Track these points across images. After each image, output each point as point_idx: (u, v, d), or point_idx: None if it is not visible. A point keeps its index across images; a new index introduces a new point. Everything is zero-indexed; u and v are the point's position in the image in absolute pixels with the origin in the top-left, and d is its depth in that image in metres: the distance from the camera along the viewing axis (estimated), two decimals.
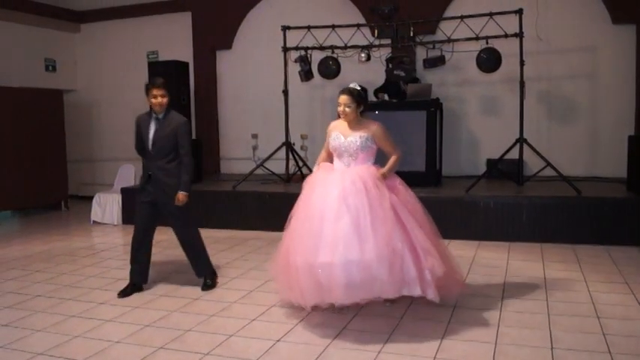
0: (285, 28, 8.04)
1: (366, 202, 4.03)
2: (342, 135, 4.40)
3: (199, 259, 5.17)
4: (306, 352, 3.68)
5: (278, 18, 9.48)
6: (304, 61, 7.90)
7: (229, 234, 7.47)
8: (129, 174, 8.91)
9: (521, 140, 7.19)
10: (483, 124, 8.79)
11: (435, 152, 7.68)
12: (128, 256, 5.10)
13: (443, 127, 8.04)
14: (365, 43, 8.03)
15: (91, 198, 10.48)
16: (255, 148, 10.00)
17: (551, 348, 3.63)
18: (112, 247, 6.99)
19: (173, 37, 10.32)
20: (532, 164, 7.92)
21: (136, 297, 4.91)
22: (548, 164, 7.00)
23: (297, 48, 8.00)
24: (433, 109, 7.61)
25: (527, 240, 6.53)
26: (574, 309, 4.37)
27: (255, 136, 9.97)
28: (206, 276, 5.14)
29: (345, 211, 4.00)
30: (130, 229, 7.67)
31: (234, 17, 9.90)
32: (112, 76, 10.88)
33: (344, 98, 4.36)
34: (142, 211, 5.02)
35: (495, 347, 3.66)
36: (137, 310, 4.59)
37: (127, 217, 8.29)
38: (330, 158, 4.55)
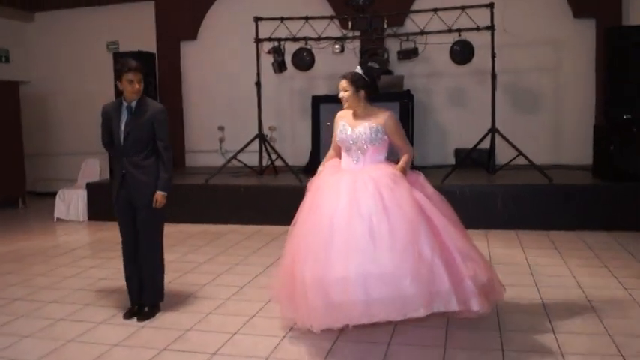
0: (257, 19, 7.91)
1: (381, 206, 3.51)
2: (349, 126, 3.88)
3: (154, 282, 4.34)
4: (316, 347, 3.65)
5: (245, 9, 9.34)
6: (277, 52, 7.80)
7: (203, 228, 7.34)
8: (94, 169, 8.62)
9: (493, 130, 7.34)
10: (451, 115, 8.93)
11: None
12: (104, 254, 4.89)
13: (414, 118, 8.14)
14: (336, 35, 8.02)
15: (48, 194, 10.25)
16: (221, 140, 9.86)
17: (554, 332, 3.72)
18: (84, 245, 6.76)
19: (134, 28, 10.02)
20: (500, 153, 8.09)
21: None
22: (520, 153, 7.18)
23: (270, 39, 7.90)
24: (406, 100, 7.68)
25: (503, 227, 6.68)
26: (565, 294, 4.51)
27: (221, 129, 9.83)
28: (146, 303, 4.30)
29: (357, 218, 3.50)
30: (98, 226, 7.61)
31: (199, 7, 9.70)
32: (69, 67, 10.48)
33: (341, 82, 3.89)
34: (124, 218, 4.29)
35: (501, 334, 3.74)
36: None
37: (93, 213, 8.06)
38: (339, 153, 4.03)
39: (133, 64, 4.13)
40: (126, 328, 4.08)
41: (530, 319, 3.99)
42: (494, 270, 3.99)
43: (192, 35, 9.84)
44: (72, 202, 8.11)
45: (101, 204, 7.96)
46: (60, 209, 8.18)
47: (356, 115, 3.91)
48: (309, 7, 8.64)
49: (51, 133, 10.77)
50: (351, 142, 3.84)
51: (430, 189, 3.87)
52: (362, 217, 3.49)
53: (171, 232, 7.03)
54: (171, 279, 5.16)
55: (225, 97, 9.75)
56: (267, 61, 8.31)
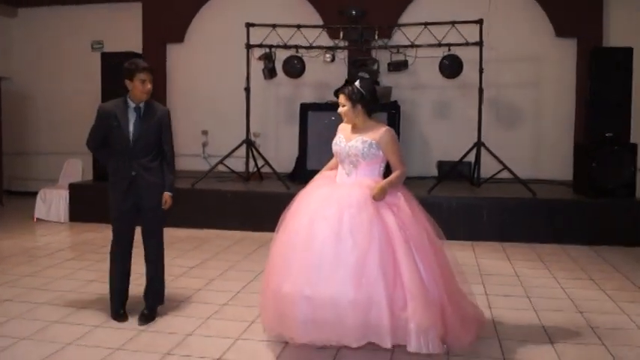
0: (249, 26, 7.92)
1: (336, 231, 3.44)
2: (344, 139, 3.83)
3: (161, 283, 4.40)
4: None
5: (233, 15, 9.39)
6: (269, 58, 7.82)
7: (189, 233, 7.27)
8: (76, 169, 8.47)
9: (479, 144, 7.49)
10: (435, 128, 9.07)
11: None
12: (90, 257, 4.80)
13: (400, 129, 8.24)
14: (324, 44, 8.09)
15: (24, 193, 10.07)
16: (205, 144, 9.81)
17: (551, 343, 3.82)
18: (69, 247, 6.64)
19: (120, 28, 9.91)
20: (482, 166, 8.24)
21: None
22: (505, 167, 7.34)
23: (261, 45, 7.91)
24: (393, 111, 7.79)
25: (489, 239, 6.81)
26: (556, 305, 4.63)
27: (205, 133, 9.78)
28: (150, 305, 4.31)
29: (314, 237, 3.48)
30: (80, 227, 7.47)
31: (187, 10, 9.66)
32: (51, 65, 10.29)
33: (340, 97, 3.83)
34: (128, 221, 4.20)
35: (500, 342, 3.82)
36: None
37: (75, 214, 7.94)
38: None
39: (145, 63, 4.13)
40: (124, 332, 4.02)
41: (525, 329, 4.09)
42: (474, 308, 3.89)
43: (179, 38, 9.79)
44: (53, 202, 7.95)
45: (83, 205, 7.87)
46: (40, 209, 8.01)
47: (355, 129, 3.85)
48: (298, 15, 8.69)
49: (29, 132, 10.54)
50: (344, 154, 3.80)
51: (413, 207, 3.67)
52: (317, 238, 3.48)
53: None
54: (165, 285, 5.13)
55: (210, 101, 9.71)
56: (254, 67, 8.29)
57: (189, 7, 9.66)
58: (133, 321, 4.21)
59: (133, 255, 4.36)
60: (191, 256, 6.16)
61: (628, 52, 7.01)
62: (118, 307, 4.28)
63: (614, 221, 6.73)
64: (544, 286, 5.15)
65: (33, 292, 4.89)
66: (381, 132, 3.76)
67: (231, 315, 4.37)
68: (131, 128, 4.11)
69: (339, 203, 3.56)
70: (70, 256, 6.17)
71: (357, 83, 3.81)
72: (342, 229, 3.45)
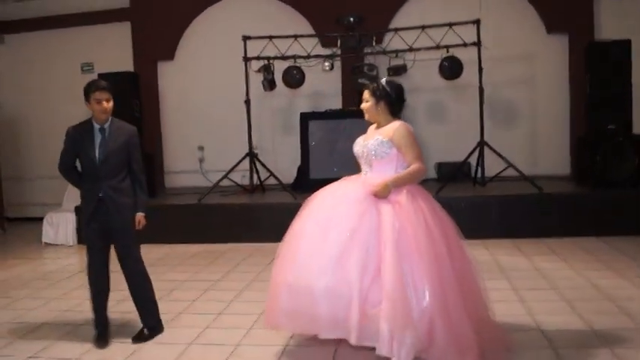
0: (245, 38, 7.97)
1: (336, 221, 3.42)
2: (363, 139, 3.77)
3: (150, 302, 4.32)
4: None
5: (221, 29, 9.48)
6: (268, 70, 7.87)
7: (200, 248, 7.24)
8: (79, 191, 8.35)
9: (482, 143, 7.62)
10: (432, 130, 9.16)
11: None
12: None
13: None
14: (320, 54, 8.18)
15: (22, 219, 9.94)
16: (201, 160, 9.79)
17: (593, 330, 3.91)
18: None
19: (110, 49, 9.85)
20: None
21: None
22: (510, 165, 7.48)
23: (259, 58, 7.96)
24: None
25: (500, 237, 6.91)
26: (584, 294, 4.74)
27: (201, 148, 9.77)
28: (149, 324, 4.26)
29: (309, 227, 3.51)
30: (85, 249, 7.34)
31: (176, 28, 9.66)
32: (41, 90, 10.20)
33: (364, 92, 3.78)
34: (98, 243, 4.11)
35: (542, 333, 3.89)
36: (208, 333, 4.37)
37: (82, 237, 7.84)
38: None
39: (101, 83, 4.05)
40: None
41: (570, 320, 4.16)
42: (486, 327, 3.47)
43: (170, 56, 9.78)
44: (60, 226, 7.89)
45: None
46: (48, 233, 7.94)
47: (378, 128, 3.78)
48: (287, 25, 8.76)
49: (21, 157, 10.40)
50: (360, 154, 3.75)
51: (411, 212, 3.40)
52: (306, 229, 3.50)
53: (170, 252, 7.00)
54: (195, 297, 5.15)
55: (205, 116, 9.69)
56: (247, 79, 8.27)
57: (178, 25, 9.66)
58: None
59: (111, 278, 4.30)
60: (210, 271, 6.15)
61: (625, 44, 7.20)
62: (103, 327, 4.22)
63: (620, 212, 6.86)
64: (567, 278, 5.24)
65: (66, 314, 4.88)
66: (394, 127, 3.63)
67: None
68: (97, 150, 4.03)
69: (334, 198, 3.58)
70: None
71: (383, 81, 3.76)
72: (330, 221, 3.42)
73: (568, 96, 8.78)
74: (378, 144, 3.61)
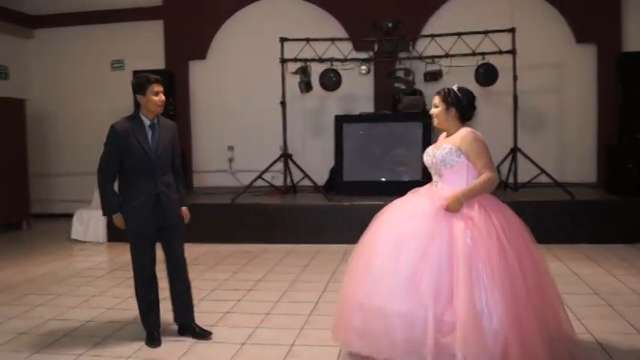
0: (283, 40, 8.03)
1: (407, 239, 3.34)
2: (432, 148, 3.69)
3: (191, 298, 4.28)
4: None
5: (254, 30, 9.56)
6: (304, 72, 7.93)
7: (235, 248, 7.27)
8: None
9: (515, 149, 7.67)
10: None
11: None
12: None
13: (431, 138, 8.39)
14: (353, 57, 8.24)
15: (48, 215, 10.01)
16: (231, 160, 9.85)
17: None
18: (123, 266, 6.59)
19: (140, 46, 9.95)
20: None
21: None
22: (543, 171, 7.54)
23: (296, 59, 8.02)
24: (428, 120, 7.93)
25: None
26: (626, 299, 4.80)
27: (231, 148, 9.83)
28: (193, 320, 4.26)
29: (381, 245, 3.45)
30: (120, 247, 7.39)
31: (208, 28, 9.74)
32: (70, 86, 10.27)
33: (434, 98, 3.71)
34: (153, 241, 4.09)
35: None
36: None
37: (113, 234, 7.88)
38: None
39: (155, 76, 4.01)
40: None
41: (616, 324, 4.21)
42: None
43: (202, 55, 9.85)
44: (90, 223, 7.92)
45: None
46: (77, 230, 7.98)
47: (447, 136, 3.68)
48: (319, 28, 8.80)
49: (49, 153, 10.47)
50: (429, 164, 3.67)
51: (486, 229, 3.26)
52: (378, 247, 3.45)
53: (205, 251, 7.05)
54: (239, 297, 5.21)
55: (235, 116, 9.76)
56: (276, 80, 8.35)
57: (211, 24, 9.74)
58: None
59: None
60: (250, 270, 6.20)
61: None
62: (156, 328, 4.20)
63: None
64: (607, 284, 5.29)
65: (110, 312, 4.91)
66: (461, 135, 3.53)
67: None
68: (152, 146, 3.99)
69: (404, 213, 3.50)
70: (129, 274, 6.10)
71: (455, 87, 3.68)
72: (401, 239, 3.36)
73: (596, 105, 8.84)
74: (447, 153, 3.52)
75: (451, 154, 3.51)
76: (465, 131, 3.56)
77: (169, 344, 4.09)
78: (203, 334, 4.20)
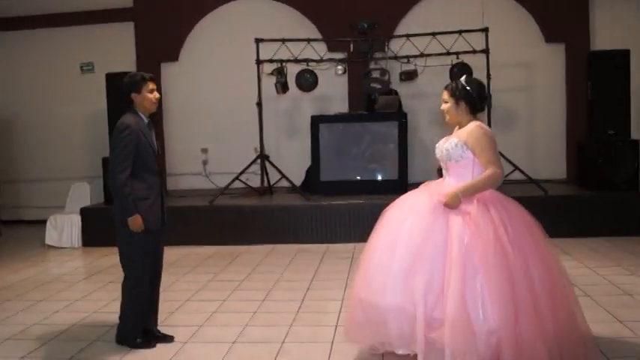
0: (258, 41, 8.02)
1: (404, 235, 3.32)
2: (443, 141, 3.60)
3: (157, 300, 4.24)
4: None
5: (227, 32, 9.48)
6: (281, 73, 7.92)
7: (214, 250, 7.22)
8: (83, 193, 8.29)
9: None
10: (434, 135, 9.28)
11: (406, 161, 8.11)
12: None
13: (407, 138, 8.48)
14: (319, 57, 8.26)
15: (16, 222, 9.77)
16: (205, 162, 9.78)
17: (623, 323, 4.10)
18: (102, 270, 6.48)
19: (110, 49, 9.77)
20: None
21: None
22: (517, 168, 7.69)
23: (272, 60, 8.01)
24: (404, 120, 8.05)
25: None
26: (604, 290, 4.96)
27: (205, 151, 9.75)
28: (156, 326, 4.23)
29: (381, 241, 3.44)
30: (97, 251, 7.31)
31: (181, 29, 9.63)
32: (39, 90, 9.99)
33: (443, 93, 3.62)
34: (153, 246, 4.03)
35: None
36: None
37: (88, 239, 7.79)
38: None
39: (149, 74, 4.00)
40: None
41: (594, 313, 4.33)
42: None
43: (174, 57, 9.75)
44: (65, 228, 7.77)
45: (96, 229, 7.72)
46: (51, 235, 7.81)
47: (457, 130, 3.61)
48: (291, 29, 8.73)
49: (16, 159, 10.19)
50: (439, 158, 3.59)
51: (483, 225, 3.19)
52: (379, 243, 3.45)
53: (184, 254, 7.00)
54: (224, 297, 5.19)
55: (208, 118, 9.66)
56: (252, 82, 8.32)
57: (183, 26, 9.63)
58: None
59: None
60: (233, 271, 6.18)
61: (625, 53, 7.50)
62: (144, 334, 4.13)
63: (622, 213, 7.14)
64: (584, 275, 5.44)
65: (95, 315, 4.85)
66: (469, 129, 3.44)
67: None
68: (154, 142, 4.02)
69: (403, 210, 3.47)
70: (110, 278, 6.04)
71: (463, 79, 3.58)
72: (398, 236, 3.33)
73: (565, 103, 9.04)
74: (453, 147, 3.45)
75: (457, 149, 3.44)
76: (473, 125, 3.47)
77: (158, 346, 4.05)
78: (165, 339, 4.14)
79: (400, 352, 3.31)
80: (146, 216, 3.89)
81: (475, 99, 3.54)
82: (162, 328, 4.26)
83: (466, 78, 3.59)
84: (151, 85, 3.95)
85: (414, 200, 3.50)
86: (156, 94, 3.98)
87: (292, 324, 4.41)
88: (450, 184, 3.47)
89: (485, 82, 7.76)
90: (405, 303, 3.17)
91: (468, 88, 3.51)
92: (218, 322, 4.52)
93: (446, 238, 3.22)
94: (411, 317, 3.14)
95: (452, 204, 3.28)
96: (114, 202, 3.94)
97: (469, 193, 3.31)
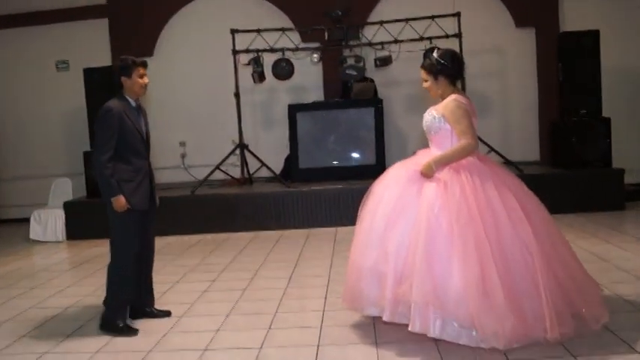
0: (234, 32, 8.09)
1: (384, 203, 3.53)
2: (427, 113, 3.72)
3: (152, 280, 4.35)
4: None
5: (200, 25, 9.53)
6: (257, 63, 8.01)
7: (199, 238, 7.32)
8: (65, 188, 8.26)
9: None
10: (410, 121, 9.47)
11: (383, 146, 8.26)
12: None
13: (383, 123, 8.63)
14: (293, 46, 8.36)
15: None
16: (183, 155, 9.81)
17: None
18: (89, 260, 6.50)
19: (85, 46, 9.73)
20: None
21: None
22: (492, 149, 7.89)
23: (248, 50, 8.10)
24: (380, 105, 8.21)
25: None
26: (582, 258, 5.10)
27: (182, 144, 9.79)
28: (153, 304, 4.33)
29: (367, 209, 3.67)
30: (81, 244, 7.34)
31: (155, 23, 9.64)
32: (16, 89, 9.91)
33: (421, 72, 3.71)
34: (141, 228, 4.05)
35: None
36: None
37: (72, 232, 7.80)
38: None
39: (140, 59, 4.04)
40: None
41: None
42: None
43: (149, 52, 9.74)
44: (49, 223, 7.77)
45: (81, 222, 7.74)
46: (35, 230, 7.82)
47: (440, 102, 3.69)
48: (262, 19, 8.82)
49: None
50: (424, 129, 3.74)
51: (456, 191, 3.34)
52: (365, 211, 3.68)
53: (169, 242, 7.06)
54: (213, 278, 5.28)
55: (186, 111, 9.70)
56: (230, 73, 8.41)
57: (157, 21, 9.64)
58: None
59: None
60: (219, 255, 6.27)
61: (595, 34, 7.71)
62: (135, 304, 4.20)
63: (595, 189, 7.39)
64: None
65: (87, 298, 4.89)
66: (445, 102, 3.57)
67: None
68: (142, 126, 4.06)
69: (387, 179, 3.69)
70: (97, 267, 6.06)
71: (435, 54, 3.63)
72: (378, 203, 3.57)
73: (536, 86, 9.29)
74: (431, 119, 3.62)
75: (435, 121, 3.60)
76: (450, 98, 3.58)
77: (156, 320, 4.16)
78: (165, 314, 4.25)
79: (370, 314, 3.65)
80: (130, 198, 3.91)
81: (451, 69, 3.63)
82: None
83: (438, 52, 3.66)
84: (142, 70, 3.99)
85: (397, 171, 3.73)
86: (145, 79, 4.03)
87: (282, 298, 4.52)
88: (433, 153, 3.63)
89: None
90: (379, 263, 3.41)
91: (442, 61, 3.60)
92: (210, 299, 4.63)
93: (417, 203, 3.41)
94: (383, 275, 3.37)
95: (427, 173, 3.47)
96: (98, 183, 3.97)
97: (442, 162, 3.48)
